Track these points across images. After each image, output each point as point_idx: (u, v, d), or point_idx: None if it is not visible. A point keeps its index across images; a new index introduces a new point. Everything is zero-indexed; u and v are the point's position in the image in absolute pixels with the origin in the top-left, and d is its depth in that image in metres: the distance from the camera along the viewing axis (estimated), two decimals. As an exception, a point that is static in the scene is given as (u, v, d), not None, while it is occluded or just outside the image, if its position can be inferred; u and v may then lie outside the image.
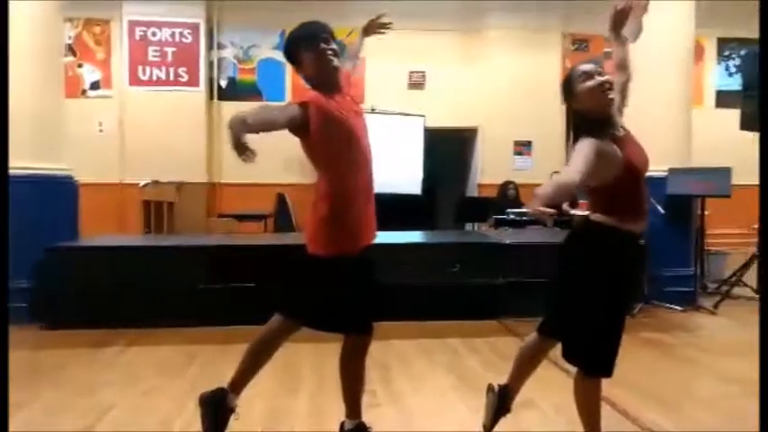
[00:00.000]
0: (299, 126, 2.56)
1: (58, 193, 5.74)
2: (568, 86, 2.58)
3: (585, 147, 2.36)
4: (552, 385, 3.75)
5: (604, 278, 2.49)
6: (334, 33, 2.75)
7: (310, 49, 2.68)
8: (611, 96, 2.48)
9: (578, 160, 2.31)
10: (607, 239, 2.51)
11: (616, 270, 2.51)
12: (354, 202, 2.74)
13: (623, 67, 2.84)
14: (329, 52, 2.68)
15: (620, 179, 2.44)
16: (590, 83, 2.49)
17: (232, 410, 2.78)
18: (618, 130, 2.54)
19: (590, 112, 2.50)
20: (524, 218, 8.80)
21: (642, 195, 2.56)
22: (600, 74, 2.50)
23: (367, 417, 3.27)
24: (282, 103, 2.59)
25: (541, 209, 2.10)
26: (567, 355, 2.66)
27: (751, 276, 6.44)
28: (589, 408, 2.69)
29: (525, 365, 2.95)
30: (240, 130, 2.26)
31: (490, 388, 3.01)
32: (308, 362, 4.21)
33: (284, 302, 2.83)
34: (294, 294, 2.81)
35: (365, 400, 3.51)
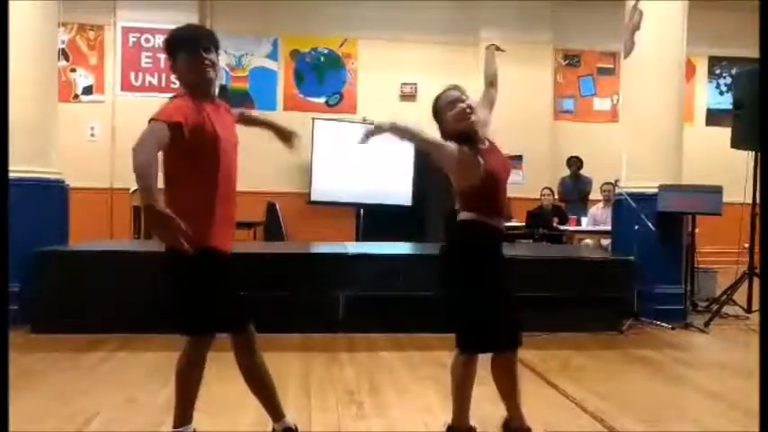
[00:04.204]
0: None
1: (49, 197, 5.72)
2: (436, 113, 3.02)
3: (450, 146, 2.84)
4: (540, 401, 3.75)
5: (479, 262, 2.90)
6: (218, 44, 2.73)
7: (188, 53, 2.66)
8: (473, 119, 2.91)
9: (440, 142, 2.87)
10: (477, 231, 2.91)
11: (489, 254, 2.95)
12: (208, 201, 2.73)
13: (493, 84, 3.45)
14: (206, 62, 2.67)
15: (484, 183, 2.86)
16: (455, 110, 2.90)
17: None
18: (483, 144, 2.97)
19: (458, 131, 2.91)
20: (514, 231, 8.82)
21: (502, 198, 3.00)
22: (462, 101, 2.92)
23: (354, 428, 3.26)
24: (146, 133, 2.51)
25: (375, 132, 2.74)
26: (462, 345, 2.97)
27: (741, 295, 6.45)
28: (510, 384, 3.01)
29: (465, 390, 3.02)
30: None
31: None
32: (295, 371, 4.19)
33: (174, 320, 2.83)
34: (174, 307, 2.83)
35: (353, 411, 3.51)
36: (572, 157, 10.11)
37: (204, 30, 2.78)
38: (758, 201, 6.28)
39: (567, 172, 10.21)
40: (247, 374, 2.86)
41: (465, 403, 3.00)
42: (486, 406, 3.56)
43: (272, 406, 2.90)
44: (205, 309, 2.74)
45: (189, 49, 2.66)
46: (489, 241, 2.95)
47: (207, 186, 2.71)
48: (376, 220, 10.28)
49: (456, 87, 3.02)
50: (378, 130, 2.77)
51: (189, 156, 2.64)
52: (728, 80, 11.54)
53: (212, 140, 2.67)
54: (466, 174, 2.85)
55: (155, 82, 10.24)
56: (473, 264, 2.89)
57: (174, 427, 2.81)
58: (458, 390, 2.99)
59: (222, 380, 3.84)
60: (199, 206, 2.69)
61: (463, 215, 2.92)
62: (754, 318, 6.26)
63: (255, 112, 3.30)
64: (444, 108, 2.96)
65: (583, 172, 10.12)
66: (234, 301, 2.81)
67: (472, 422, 3.05)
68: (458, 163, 2.84)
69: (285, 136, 3.26)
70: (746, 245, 6.51)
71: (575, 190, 10.00)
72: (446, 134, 2.94)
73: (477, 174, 2.84)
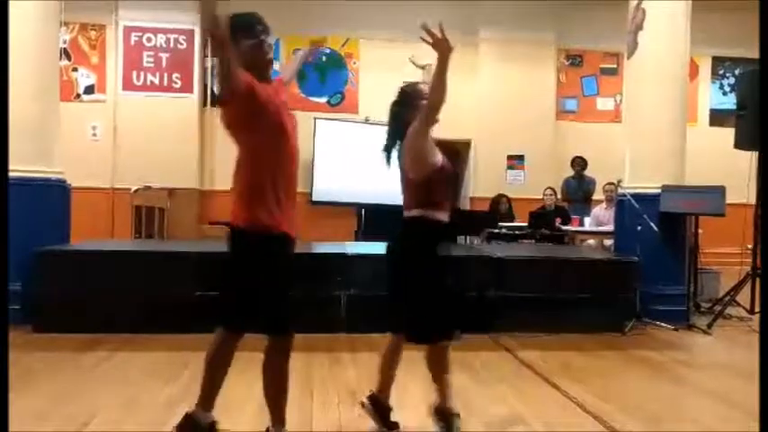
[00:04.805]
0: (233, 92, 2.55)
1: (50, 197, 5.71)
2: (409, 99, 3.11)
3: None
4: (542, 402, 3.74)
5: (431, 258, 3.02)
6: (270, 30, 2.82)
7: (248, 38, 2.71)
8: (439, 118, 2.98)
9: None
10: (426, 228, 3.04)
11: (437, 250, 3.05)
12: (275, 181, 2.69)
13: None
14: (266, 45, 2.75)
15: (436, 176, 3.02)
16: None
17: (212, 426, 2.78)
18: None
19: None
20: (517, 231, 8.81)
21: (447, 193, 3.12)
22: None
23: (355, 427, 3.25)
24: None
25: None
26: (412, 337, 3.08)
27: (744, 296, 6.43)
28: (443, 372, 3.11)
29: (388, 367, 3.25)
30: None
31: (362, 404, 3.23)
32: (297, 371, 4.18)
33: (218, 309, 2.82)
34: (221, 295, 2.80)
35: (354, 410, 3.49)
36: (576, 157, 10.10)
37: (256, 14, 2.80)
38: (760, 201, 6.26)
39: (569, 172, 10.19)
40: (270, 375, 2.82)
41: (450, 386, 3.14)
42: (493, 408, 3.57)
43: (279, 411, 2.85)
44: (252, 304, 2.70)
45: (249, 34, 2.72)
46: (439, 236, 3.09)
47: (276, 169, 2.70)
48: (377, 219, 10.26)
49: (425, 83, 3.12)
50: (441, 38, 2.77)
51: (258, 138, 2.67)
52: (732, 80, 11.52)
53: (278, 121, 2.70)
54: (429, 159, 3.00)
55: (156, 81, 10.23)
56: (428, 259, 3.02)
57: (195, 406, 2.78)
58: (444, 374, 3.13)
59: (226, 379, 3.84)
60: (270, 190, 2.67)
61: (414, 212, 3.05)
62: (758, 319, 6.24)
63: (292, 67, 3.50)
64: (418, 98, 3.07)
65: (586, 172, 10.10)
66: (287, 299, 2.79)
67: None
68: (429, 144, 3.00)
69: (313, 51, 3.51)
70: (750, 246, 6.50)
71: (579, 190, 9.98)
72: (410, 123, 3.02)
73: (435, 163, 3.01)
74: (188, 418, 2.77)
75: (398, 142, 3.12)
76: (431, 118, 2.92)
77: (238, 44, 2.69)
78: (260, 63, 2.74)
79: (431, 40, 2.76)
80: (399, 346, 3.20)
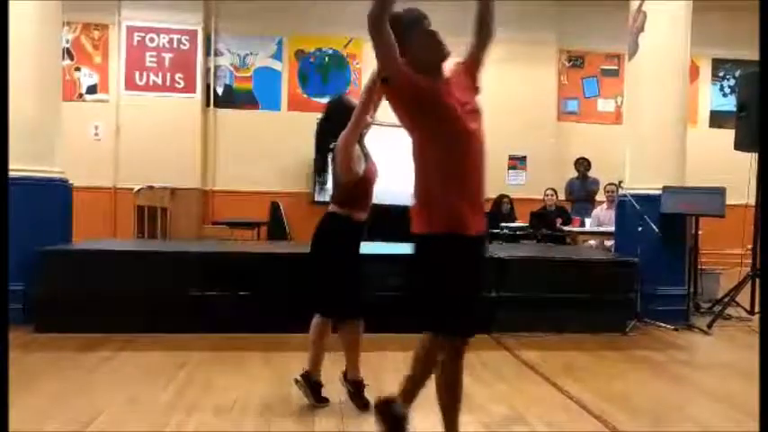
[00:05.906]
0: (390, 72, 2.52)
1: (52, 196, 5.73)
2: (344, 112, 3.46)
3: None
4: (542, 402, 3.75)
5: (348, 246, 3.59)
6: None
7: (422, 32, 2.63)
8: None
9: None
10: (344, 224, 3.54)
11: (354, 241, 3.63)
12: (454, 182, 2.59)
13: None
14: (441, 40, 2.67)
15: (361, 183, 3.48)
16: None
17: (405, 417, 2.81)
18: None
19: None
20: (518, 232, 8.81)
21: (370, 197, 3.61)
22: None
23: (359, 427, 3.25)
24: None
25: None
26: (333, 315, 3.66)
27: (744, 296, 6.44)
28: (357, 349, 3.66)
29: (318, 347, 3.69)
30: None
31: (296, 381, 3.62)
32: (300, 371, 4.20)
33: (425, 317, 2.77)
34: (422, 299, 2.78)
35: (358, 410, 3.51)
36: (580, 158, 10.08)
37: (419, 9, 2.73)
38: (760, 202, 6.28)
39: (571, 173, 10.17)
40: (445, 378, 2.81)
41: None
42: (493, 407, 3.58)
43: (452, 419, 2.82)
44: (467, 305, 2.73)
45: (421, 30, 2.64)
46: (358, 231, 3.64)
47: (452, 163, 2.62)
48: (378, 220, 10.25)
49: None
50: None
51: (430, 135, 2.61)
52: (732, 82, 11.51)
53: (452, 117, 2.59)
54: (354, 168, 3.40)
55: (159, 81, 10.25)
56: (345, 247, 3.59)
57: (401, 400, 2.82)
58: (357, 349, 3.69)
59: (227, 379, 3.86)
60: (445, 188, 2.60)
61: (334, 208, 3.56)
62: (758, 319, 6.25)
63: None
64: (350, 111, 3.38)
65: (589, 173, 10.08)
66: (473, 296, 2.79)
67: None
68: (355, 154, 3.40)
69: None
70: (750, 246, 6.50)
71: (582, 191, 9.96)
72: (336, 136, 3.42)
73: (359, 172, 3.42)
74: (387, 403, 2.81)
75: (330, 155, 3.54)
76: (355, 128, 3.30)
77: (412, 41, 2.60)
78: (436, 59, 2.66)
79: None
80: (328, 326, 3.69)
